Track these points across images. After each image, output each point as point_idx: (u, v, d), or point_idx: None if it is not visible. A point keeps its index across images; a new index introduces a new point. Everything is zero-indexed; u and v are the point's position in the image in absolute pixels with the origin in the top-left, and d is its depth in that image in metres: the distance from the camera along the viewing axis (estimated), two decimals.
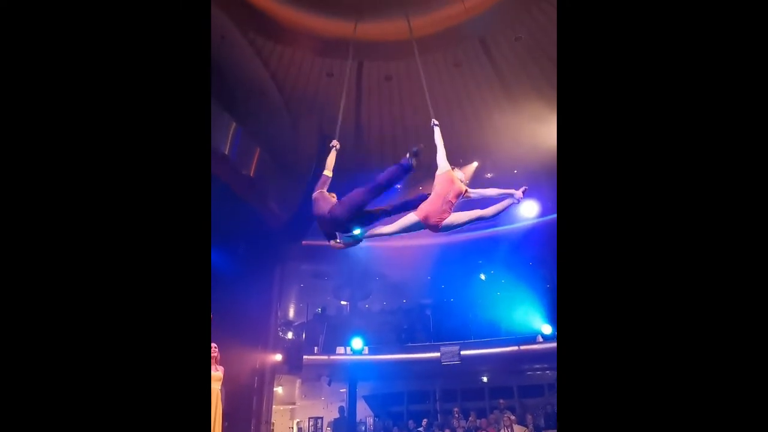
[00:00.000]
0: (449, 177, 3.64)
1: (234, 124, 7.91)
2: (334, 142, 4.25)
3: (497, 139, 9.24)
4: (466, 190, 3.65)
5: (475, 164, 10.74)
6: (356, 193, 3.57)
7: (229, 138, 7.91)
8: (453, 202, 3.58)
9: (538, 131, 8.62)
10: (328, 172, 3.88)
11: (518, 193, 3.63)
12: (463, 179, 3.75)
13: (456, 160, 4.16)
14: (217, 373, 4.92)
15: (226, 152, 7.81)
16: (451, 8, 7.55)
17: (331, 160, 3.99)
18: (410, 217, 3.55)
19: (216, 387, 4.84)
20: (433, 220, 3.50)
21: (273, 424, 9.74)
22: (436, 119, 4.26)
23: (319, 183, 3.83)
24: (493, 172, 10.67)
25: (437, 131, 4.09)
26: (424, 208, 3.54)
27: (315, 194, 3.75)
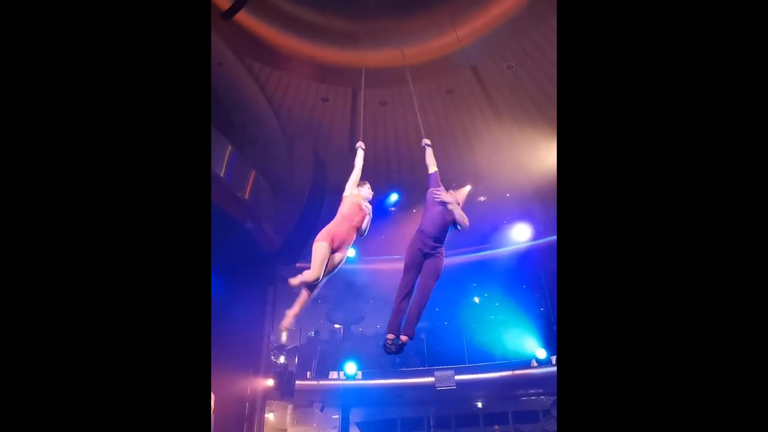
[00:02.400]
0: (356, 201, 3.58)
1: (230, 147, 7.97)
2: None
3: (489, 164, 9.40)
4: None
5: (468, 188, 10.85)
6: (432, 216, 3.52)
7: (225, 161, 7.96)
8: (357, 227, 3.51)
9: (530, 155, 8.80)
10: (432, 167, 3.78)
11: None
12: (367, 195, 3.68)
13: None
14: None
15: (222, 175, 7.84)
16: (444, 38, 7.80)
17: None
18: (320, 249, 3.30)
19: None
20: (336, 244, 3.37)
21: None
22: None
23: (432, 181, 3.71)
24: (486, 195, 10.80)
25: (360, 154, 3.84)
26: (330, 230, 3.40)
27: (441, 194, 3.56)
